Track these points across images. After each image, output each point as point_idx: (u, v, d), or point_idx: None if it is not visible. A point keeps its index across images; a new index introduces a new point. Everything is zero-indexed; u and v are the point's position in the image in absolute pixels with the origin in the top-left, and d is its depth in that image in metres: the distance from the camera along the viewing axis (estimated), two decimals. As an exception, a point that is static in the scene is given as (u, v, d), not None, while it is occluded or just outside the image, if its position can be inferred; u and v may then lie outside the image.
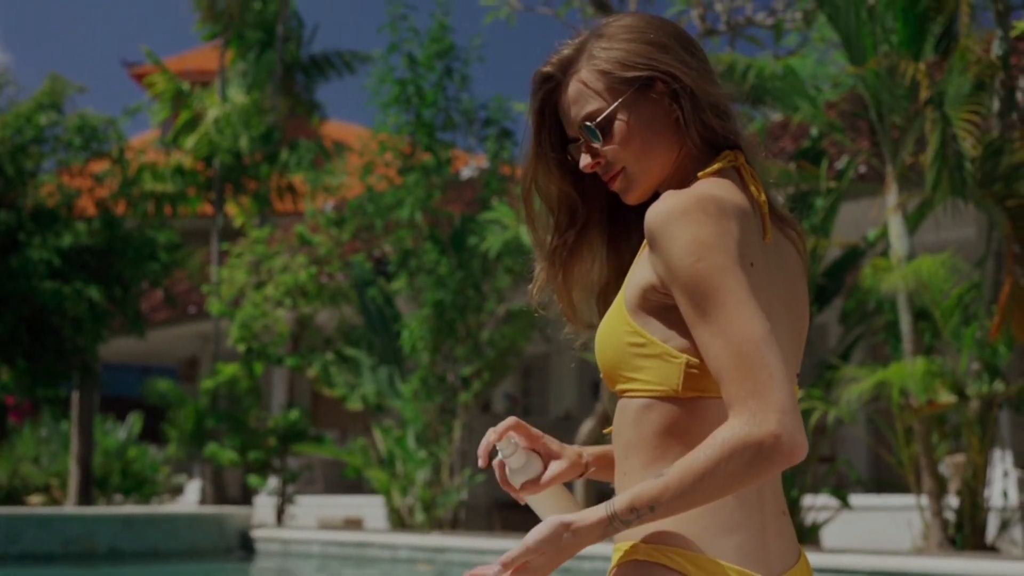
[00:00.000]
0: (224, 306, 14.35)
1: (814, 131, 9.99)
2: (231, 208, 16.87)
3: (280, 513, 13.77)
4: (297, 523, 14.22)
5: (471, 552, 9.55)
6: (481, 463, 1.92)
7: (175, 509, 14.74)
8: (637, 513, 1.63)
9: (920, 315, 8.65)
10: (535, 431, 1.96)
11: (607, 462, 1.98)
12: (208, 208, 17.50)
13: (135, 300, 14.98)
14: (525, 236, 11.37)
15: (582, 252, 1.93)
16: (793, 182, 9.03)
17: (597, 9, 11.08)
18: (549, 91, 1.88)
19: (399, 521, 12.34)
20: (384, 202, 12.78)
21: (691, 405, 1.70)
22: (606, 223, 1.93)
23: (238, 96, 16.78)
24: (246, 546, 11.46)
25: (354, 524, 14.65)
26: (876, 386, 8.34)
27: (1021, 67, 10.15)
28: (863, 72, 8.44)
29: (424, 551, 9.98)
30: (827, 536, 9.94)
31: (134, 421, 17.29)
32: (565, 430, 15.87)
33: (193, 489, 18.53)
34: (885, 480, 11.97)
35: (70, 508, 13.77)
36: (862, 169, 10.66)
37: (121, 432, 16.87)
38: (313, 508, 15.55)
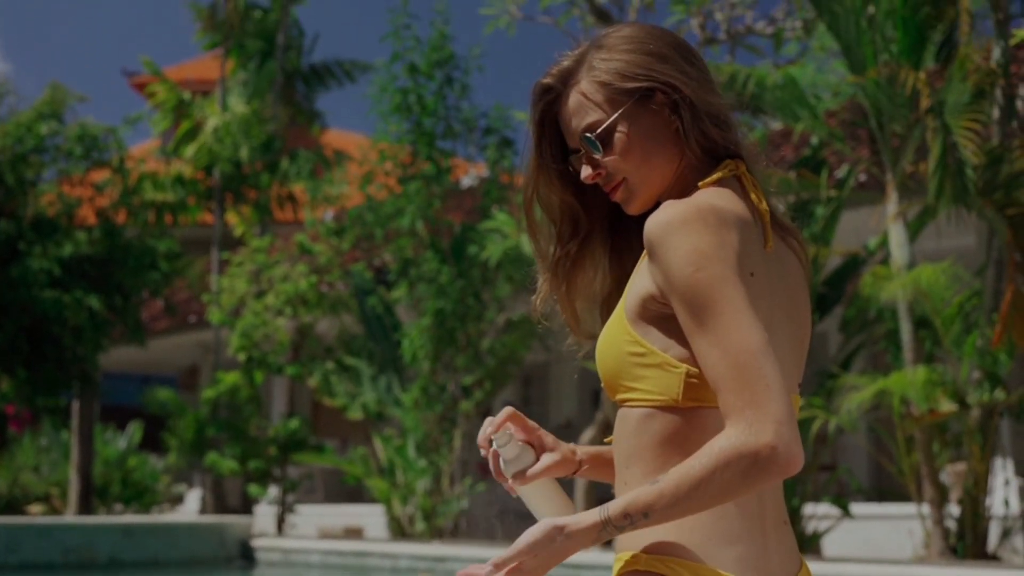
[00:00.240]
0: (224, 315, 14.35)
1: (814, 140, 9.99)
2: (231, 217, 16.88)
3: (280, 522, 13.76)
4: (297, 532, 14.21)
5: (471, 561, 9.53)
6: (483, 452, 1.94)
7: (175, 518, 14.73)
8: (631, 519, 1.63)
9: (921, 323, 8.64)
10: (531, 423, 1.97)
11: (602, 462, 1.98)
12: (208, 217, 17.51)
13: (135, 309, 14.98)
14: (525, 245, 11.37)
15: (584, 262, 1.93)
16: (793, 191, 9.03)
17: (597, 18, 11.09)
18: (549, 102, 1.88)
19: (399, 530, 12.33)
20: (384, 211, 12.79)
21: (692, 415, 1.70)
22: (608, 232, 1.93)
23: (238, 105, 16.80)
24: (246, 555, 11.45)
25: (354, 533, 14.63)
26: (877, 395, 8.34)
27: (1021, 75, 10.16)
28: (863, 81, 8.45)
29: (424, 560, 9.97)
30: (828, 545, 9.92)
31: (134, 430, 17.27)
32: (566, 439, 15.70)
33: (193, 498, 18.51)
34: (886, 489, 11.96)
35: (70, 517, 13.76)
36: (862, 178, 10.66)
37: (121, 441, 16.86)
38: (313, 517, 15.53)
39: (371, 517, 14.72)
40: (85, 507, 14.47)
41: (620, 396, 1.76)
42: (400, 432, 13.05)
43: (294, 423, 13.85)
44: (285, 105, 17.76)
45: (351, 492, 17.22)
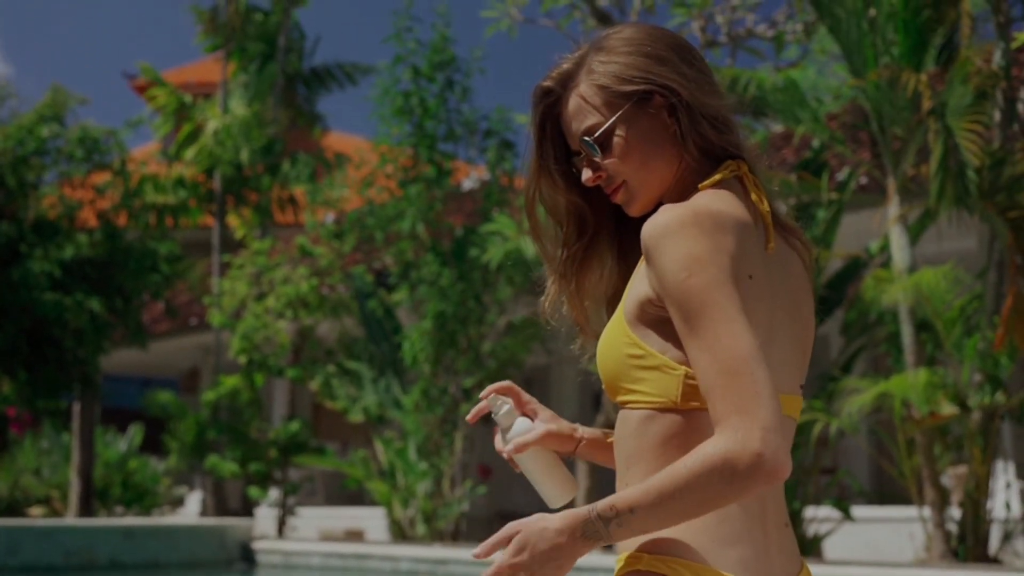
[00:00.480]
0: (225, 318, 14.35)
1: (816, 143, 9.99)
2: (232, 220, 16.88)
3: (281, 525, 13.75)
4: (298, 535, 14.20)
5: (472, 564, 9.53)
6: (470, 419, 1.96)
7: (176, 521, 14.72)
8: (616, 513, 1.63)
9: (922, 326, 8.64)
10: (526, 396, 1.99)
11: (602, 445, 1.99)
12: (209, 220, 17.51)
13: (136, 312, 14.98)
14: (526, 248, 11.36)
15: (592, 262, 1.93)
16: (795, 193, 9.03)
17: (598, 21, 11.09)
18: (550, 105, 1.89)
19: (400, 533, 12.32)
20: (385, 214, 12.79)
21: (691, 416, 1.70)
22: (615, 231, 1.93)
23: (239, 108, 16.80)
24: (247, 558, 11.45)
25: (355, 536, 14.63)
26: (878, 398, 8.33)
27: (1022, 78, 10.15)
28: (864, 84, 8.45)
29: (425, 563, 9.96)
30: (829, 548, 9.92)
31: (135, 433, 17.27)
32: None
33: (194, 501, 18.51)
34: (887, 492, 11.96)
35: (71, 520, 13.76)
36: (863, 180, 10.66)
37: (122, 444, 16.86)
38: (314, 520, 15.53)
39: (372, 520, 14.72)
40: (86, 510, 14.46)
41: (620, 398, 1.77)
42: (401, 435, 13.04)
43: (295, 426, 13.84)
44: (286, 108, 17.76)
45: (352, 495, 17.23)
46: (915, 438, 8.37)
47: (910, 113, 8.45)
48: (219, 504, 15.91)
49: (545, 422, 1.95)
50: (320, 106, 20.33)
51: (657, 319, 1.72)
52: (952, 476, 8.92)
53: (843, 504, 9.33)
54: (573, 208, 1.92)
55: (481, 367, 12.48)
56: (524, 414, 1.97)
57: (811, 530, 9.29)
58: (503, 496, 15.48)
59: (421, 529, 12.08)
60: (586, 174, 1.84)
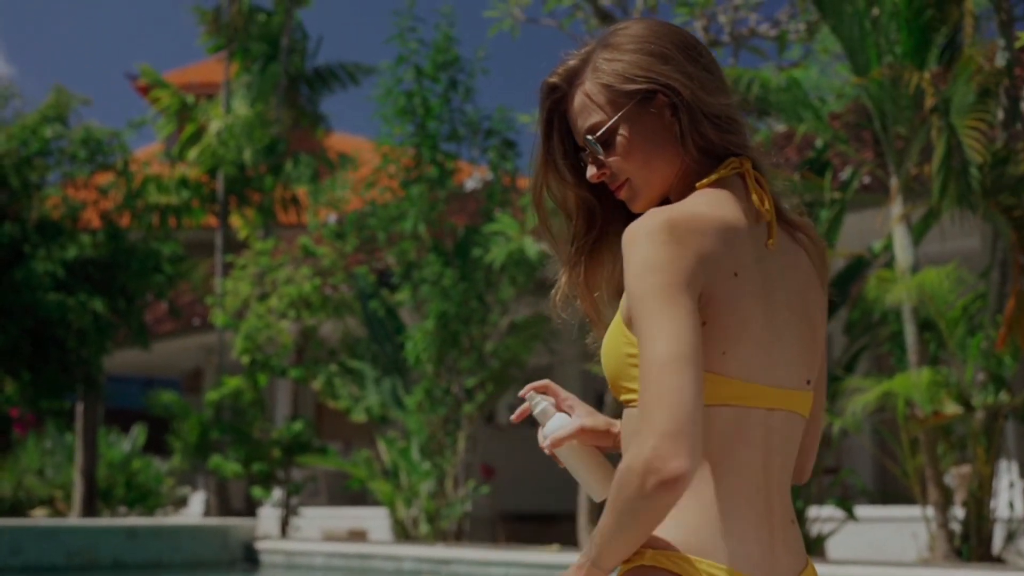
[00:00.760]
0: (228, 318, 14.36)
1: (818, 142, 9.99)
2: (235, 220, 16.89)
3: (284, 525, 13.75)
4: (301, 535, 14.20)
5: (475, 564, 9.53)
6: (514, 419, 1.99)
7: (179, 521, 14.72)
8: (593, 538, 1.66)
9: (925, 326, 8.63)
10: (564, 393, 2.00)
11: None
12: (212, 220, 17.52)
13: (139, 312, 14.99)
14: (529, 247, 11.36)
15: (602, 256, 1.95)
16: (797, 193, 9.00)
17: (601, 21, 11.09)
18: (556, 100, 1.90)
19: (403, 533, 12.32)
20: (387, 214, 12.79)
21: None
22: (624, 224, 1.95)
23: (242, 108, 16.81)
24: (250, 558, 11.45)
25: (358, 536, 14.63)
26: (881, 397, 8.33)
27: (1025, 78, 10.14)
28: (867, 82, 8.44)
29: (428, 563, 9.96)
30: (832, 547, 9.91)
31: (138, 433, 17.28)
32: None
33: (197, 501, 18.52)
34: (890, 491, 11.95)
35: (73, 520, 13.76)
36: (866, 180, 10.65)
37: (125, 444, 16.87)
38: (317, 520, 15.53)
39: (375, 520, 14.72)
40: (89, 510, 14.47)
41: (622, 396, 1.78)
42: (404, 435, 13.04)
43: (298, 426, 13.85)
44: (289, 108, 17.77)
45: (355, 495, 17.22)
46: (918, 437, 8.36)
47: (913, 112, 8.44)
48: (222, 504, 15.92)
49: (581, 418, 1.96)
50: (323, 106, 20.31)
51: None
52: (956, 476, 8.91)
53: (846, 504, 9.32)
54: (582, 202, 1.94)
55: (484, 367, 12.48)
56: (561, 410, 1.98)
57: (815, 530, 9.29)
58: (506, 496, 15.47)
59: (424, 529, 12.08)
60: (591, 171, 1.86)
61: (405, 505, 12.29)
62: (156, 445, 18.47)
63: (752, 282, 1.72)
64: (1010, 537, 8.60)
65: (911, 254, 8.42)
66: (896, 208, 8.56)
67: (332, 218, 15.30)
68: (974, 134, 7.75)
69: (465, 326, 12.29)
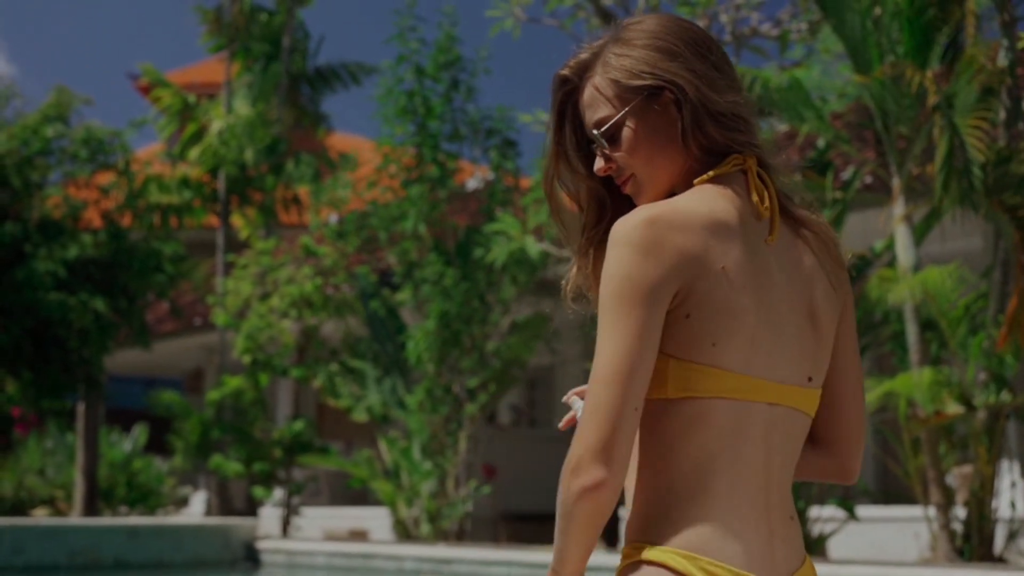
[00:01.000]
0: (229, 317, 14.36)
1: (820, 142, 9.98)
2: (236, 220, 16.88)
3: (285, 525, 13.75)
4: (302, 535, 14.20)
5: (476, 563, 9.53)
6: (561, 426, 2.05)
7: (180, 520, 14.73)
8: (554, 548, 1.73)
9: (927, 325, 8.63)
10: None
11: None
12: (214, 220, 17.52)
13: (141, 312, 14.99)
14: (530, 247, 11.36)
15: None
16: (799, 193, 9.00)
17: (603, 20, 11.08)
18: (568, 92, 1.92)
19: (404, 533, 12.32)
20: (388, 214, 12.79)
21: (682, 405, 1.73)
22: None
23: (243, 108, 16.81)
24: (251, 557, 11.45)
25: (359, 536, 14.63)
26: (883, 396, 8.32)
27: (1027, 77, 10.13)
28: (869, 81, 8.43)
29: (430, 562, 9.96)
30: (834, 547, 9.91)
31: (139, 433, 17.28)
32: (570, 442, 15.82)
33: (198, 501, 18.52)
34: (892, 491, 11.93)
35: (75, 519, 13.76)
36: (868, 180, 10.65)
37: (127, 444, 16.87)
38: (318, 520, 15.53)
39: (376, 520, 14.72)
40: (90, 510, 14.47)
41: None
42: (405, 434, 13.04)
43: (299, 425, 13.85)
44: (290, 108, 17.78)
45: (356, 495, 17.23)
46: (920, 437, 8.36)
47: (915, 111, 8.43)
48: (223, 504, 15.92)
49: None
50: (324, 106, 20.31)
51: None
52: (957, 475, 8.91)
53: (848, 503, 9.32)
54: (592, 193, 1.95)
55: (485, 367, 12.48)
56: None
57: (816, 529, 9.28)
58: (508, 496, 15.47)
59: (425, 529, 12.08)
60: (598, 163, 1.88)
61: (406, 505, 12.29)
62: (157, 445, 18.47)
63: (743, 277, 1.73)
64: (1012, 537, 8.59)
65: (913, 254, 8.41)
66: (898, 208, 8.55)
67: (333, 218, 15.30)
68: (977, 133, 7.75)
69: (466, 326, 12.29)
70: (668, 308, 1.71)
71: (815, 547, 9.04)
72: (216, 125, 16.58)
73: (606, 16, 11.06)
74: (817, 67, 14.23)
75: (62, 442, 16.30)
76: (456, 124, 12.79)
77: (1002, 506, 8.70)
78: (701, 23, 10.87)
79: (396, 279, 13.09)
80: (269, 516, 15.15)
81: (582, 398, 2.03)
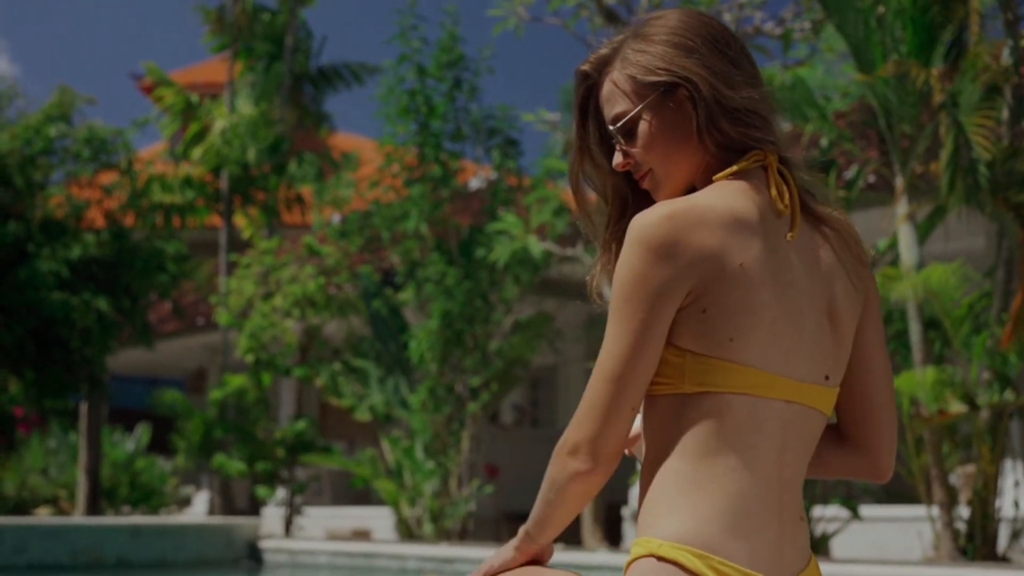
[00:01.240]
0: (232, 317, 14.36)
1: (824, 141, 9.97)
2: (239, 219, 16.88)
3: (288, 524, 13.75)
4: (305, 534, 14.20)
5: (479, 563, 9.50)
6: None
7: (183, 520, 14.73)
8: (531, 515, 1.81)
9: (930, 324, 8.62)
10: None
11: None
12: (216, 219, 17.52)
13: (143, 311, 14.99)
14: (533, 246, 11.36)
15: None
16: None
17: (606, 19, 11.08)
18: (589, 88, 1.93)
19: (407, 532, 12.32)
20: (391, 213, 12.79)
21: (698, 400, 1.73)
22: None
23: (246, 108, 16.81)
24: (254, 557, 11.45)
25: (362, 535, 14.63)
26: (886, 396, 8.29)
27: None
28: (873, 80, 8.42)
29: (432, 561, 9.96)
30: (837, 547, 9.90)
31: (142, 432, 17.29)
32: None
33: (201, 500, 18.52)
34: (895, 491, 11.92)
35: (78, 518, 13.76)
36: (871, 179, 10.64)
37: (129, 443, 16.87)
38: (321, 519, 15.53)
39: (378, 519, 14.72)
40: (93, 509, 14.48)
41: None
42: (408, 434, 13.04)
43: (301, 425, 13.85)
44: (293, 107, 17.77)
45: (358, 494, 17.23)
46: (923, 436, 8.35)
47: (918, 110, 8.42)
48: (226, 503, 15.92)
49: None
50: (327, 106, 20.31)
51: None
52: (960, 475, 8.89)
53: (851, 503, 9.30)
54: (615, 188, 1.96)
55: (488, 366, 12.48)
56: None
57: (819, 529, 9.27)
58: (510, 495, 15.47)
59: (428, 528, 12.08)
60: (616, 158, 1.89)
61: (409, 504, 12.29)
62: (160, 444, 18.48)
63: (762, 273, 1.72)
64: (1015, 536, 8.58)
65: (916, 252, 8.41)
66: (901, 207, 8.54)
67: (336, 217, 15.30)
68: (982, 131, 7.74)
69: (469, 325, 12.29)
70: (682, 305, 1.71)
71: (818, 547, 9.04)
72: (219, 125, 16.58)
73: (609, 15, 11.06)
74: (820, 66, 14.22)
75: (65, 442, 16.31)
76: (459, 123, 12.79)
77: (1005, 505, 8.70)
78: (704, 22, 10.84)
79: (399, 278, 13.09)
80: (272, 516, 15.15)
81: None
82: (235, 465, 13.88)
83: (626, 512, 11.47)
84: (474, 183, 14.86)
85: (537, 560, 1.86)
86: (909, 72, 8.10)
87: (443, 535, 12.02)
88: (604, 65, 1.90)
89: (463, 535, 12.19)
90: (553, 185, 12.36)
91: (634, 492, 11.35)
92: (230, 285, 14.69)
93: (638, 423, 1.95)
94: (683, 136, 1.82)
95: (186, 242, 15.98)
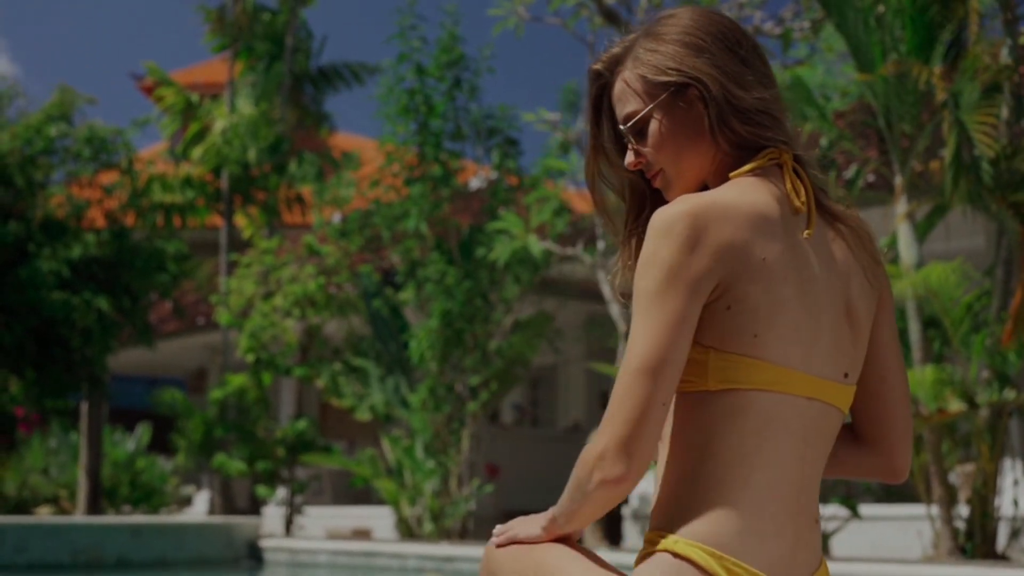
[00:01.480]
0: (232, 317, 14.36)
1: (823, 141, 9.98)
2: (239, 219, 16.89)
3: (288, 523, 13.76)
4: (305, 534, 14.20)
5: (479, 561, 9.51)
6: None
7: (183, 519, 14.74)
8: (560, 501, 1.77)
9: (930, 323, 8.63)
10: None
11: None
12: (217, 219, 17.53)
13: (144, 311, 14.99)
14: (533, 246, 11.36)
15: None
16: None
17: (605, 19, 11.09)
18: (601, 87, 1.94)
19: (407, 531, 12.33)
20: (391, 213, 12.80)
21: (721, 397, 1.72)
22: None
23: (246, 107, 16.82)
24: (254, 556, 11.46)
25: (362, 535, 14.63)
26: (886, 394, 8.29)
27: (1030, 76, 10.12)
28: (873, 79, 8.43)
29: (432, 560, 9.97)
30: (837, 545, 9.91)
31: (143, 432, 17.29)
32: (573, 441, 15.85)
33: (202, 500, 18.53)
34: (895, 489, 11.93)
35: (79, 518, 13.77)
36: (871, 178, 10.65)
37: (130, 443, 16.88)
38: (321, 519, 15.54)
39: (379, 518, 14.73)
40: (94, 509, 14.48)
41: None
42: (408, 433, 13.04)
43: (302, 424, 13.85)
44: (293, 107, 17.78)
45: (359, 493, 17.23)
46: (923, 435, 8.36)
47: (918, 109, 8.43)
48: (226, 503, 15.93)
49: None
50: (327, 106, 20.33)
51: None
52: (960, 473, 8.90)
53: (850, 502, 9.31)
54: (631, 186, 1.96)
55: (488, 365, 12.48)
56: None
57: (819, 528, 9.28)
58: (510, 495, 15.48)
59: (428, 527, 12.08)
60: (629, 157, 1.89)
61: (409, 503, 12.29)
62: (160, 444, 18.49)
63: (784, 269, 1.72)
64: (1014, 535, 8.59)
65: (916, 251, 8.41)
66: (900, 206, 8.55)
67: (336, 217, 15.30)
68: (984, 128, 7.75)
69: (469, 324, 12.30)
70: (707, 301, 1.70)
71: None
72: (219, 124, 16.59)
73: (609, 15, 11.07)
74: (820, 66, 14.24)
75: (65, 441, 16.31)
76: (459, 123, 12.79)
77: (1005, 504, 8.70)
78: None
79: (399, 278, 13.10)
80: (272, 515, 15.16)
81: None
82: (235, 465, 13.89)
83: (626, 511, 11.47)
84: (474, 183, 14.86)
85: (565, 540, 1.82)
86: (909, 71, 8.11)
87: (443, 534, 12.03)
88: (616, 64, 1.90)
89: (463, 534, 12.20)
90: (553, 185, 12.37)
91: (635, 491, 11.36)
92: (230, 285, 14.70)
93: None
94: (694, 135, 1.82)
95: (186, 242, 15.98)
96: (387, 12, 19.19)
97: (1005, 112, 8.29)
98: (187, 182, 16.46)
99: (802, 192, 1.80)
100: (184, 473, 18.29)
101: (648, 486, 10.45)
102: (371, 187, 13.32)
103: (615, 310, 10.91)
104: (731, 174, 1.80)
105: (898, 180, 8.63)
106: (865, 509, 10.05)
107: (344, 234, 13.85)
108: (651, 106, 1.83)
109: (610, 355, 13.00)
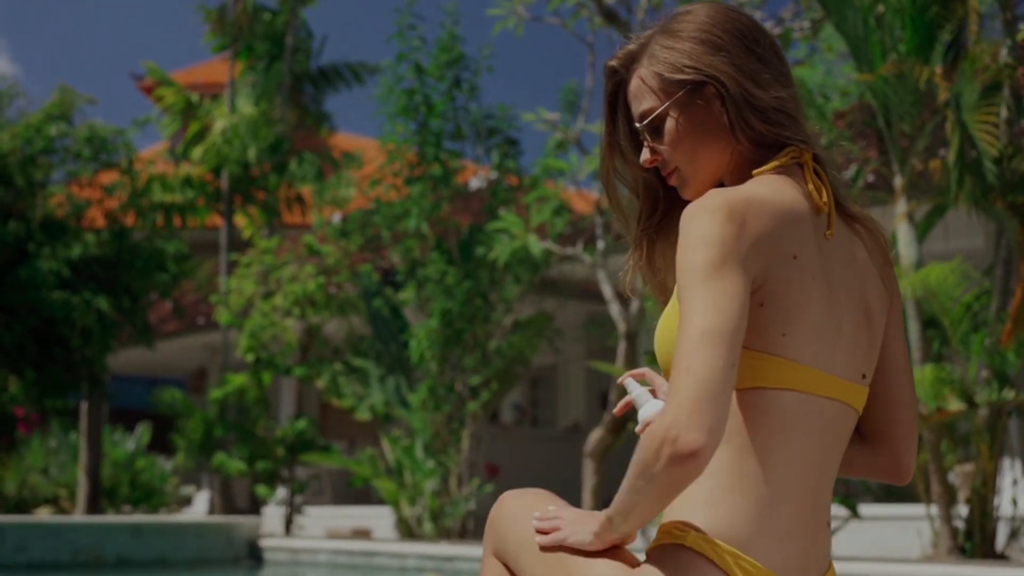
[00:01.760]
0: (232, 316, 14.37)
1: (823, 141, 9.97)
2: (240, 219, 16.90)
3: (288, 523, 13.77)
4: (305, 533, 14.21)
5: (479, 561, 9.52)
6: (616, 412, 2.02)
7: (183, 519, 14.74)
8: (615, 500, 1.68)
9: (929, 323, 8.63)
10: (660, 380, 2.01)
11: None
12: (217, 219, 17.54)
13: (144, 311, 15.00)
14: (533, 245, 11.37)
15: (668, 238, 1.95)
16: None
17: (605, 19, 11.09)
18: (617, 84, 1.92)
19: (407, 531, 12.33)
20: (391, 212, 12.81)
21: (747, 396, 1.70)
22: (685, 206, 1.96)
23: (247, 107, 16.82)
24: (254, 556, 11.46)
25: (362, 534, 14.64)
26: (885, 394, 8.30)
27: (1029, 76, 10.13)
28: (872, 79, 8.44)
29: (432, 560, 9.97)
30: (836, 545, 9.91)
31: (142, 432, 17.30)
32: (573, 441, 15.85)
33: (202, 500, 18.53)
34: (894, 489, 11.94)
35: (79, 517, 13.78)
36: (870, 178, 10.65)
37: (130, 443, 16.89)
38: (321, 518, 15.54)
39: (379, 518, 14.73)
40: (94, 509, 14.49)
41: None
42: (408, 433, 13.05)
43: (302, 424, 13.86)
44: (293, 107, 17.79)
45: (359, 493, 17.24)
46: (922, 435, 8.36)
47: (918, 109, 8.44)
48: (226, 503, 15.93)
49: None
50: (327, 106, 20.33)
51: None
52: (959, 473, 8.91)
53: (850, 501, 9.31)
54: (646, 184, 1.95)
55: (488, 365, 12.49)
56: (658, 398, 1.99)
57: (818, 527, 9.28)
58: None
59: (428, 527, 12.09)
60: (644, 154, 1.87)
61: (409, 503, 12.30)
62: (160, 444, 18.50)
63: (811, 267, 1.71)
64: (1013, 534, 8.59)
65: (915, 251, 8.42)
66: (900, 206, 8.56)
67: (336, 217, 15.31)
68: (986, 127, 7.75)
69: (469, 324, 12.30)
70: None
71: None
72: (219, 124, 16.60)
73: (608, 15, 11.07)
74: (820, 66, 14.24)
75: (65, 441, 16.32)
76: (458, 123, 12.80)
77: (1004, 503, 8.71)
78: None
79: (399, 278, 13.10)
80: (272, 515, 15.16)
81: (640, 382, 2.02)
82: (235, 464, 13.90)
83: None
84: (474, 183, 14.87)
85: (619, 547, 1.75)
86: (908, 71, 8.12)
87: (443, 534, 12.03)
88: (632, 61, 1.88)
89: (463, 534, 12.20)
90: (553, 184, 12.37)
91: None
92: (230, 285, 14.70)
93: (649, 411, 1.94)
94: (710, 133, 1.81)
95: (186, 242, 15.99)
96: (387, 12, 19.19)
97: (1005, 112, 8.29)
98: (187, 182, 16.46)
99: (824, 192, 1.79)
100: (184, 473, 18.30)
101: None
102: (371, 186, 13.32)
103: (615, 310, 10.91)
104: (754, 172, 1.78)
105: (898, 180, 8.64)
106: (865, 509, 10.05)
107: (344, 234, 13.86)
108: (667, 104, 1.82)
109: (610, 355, 12.99)
